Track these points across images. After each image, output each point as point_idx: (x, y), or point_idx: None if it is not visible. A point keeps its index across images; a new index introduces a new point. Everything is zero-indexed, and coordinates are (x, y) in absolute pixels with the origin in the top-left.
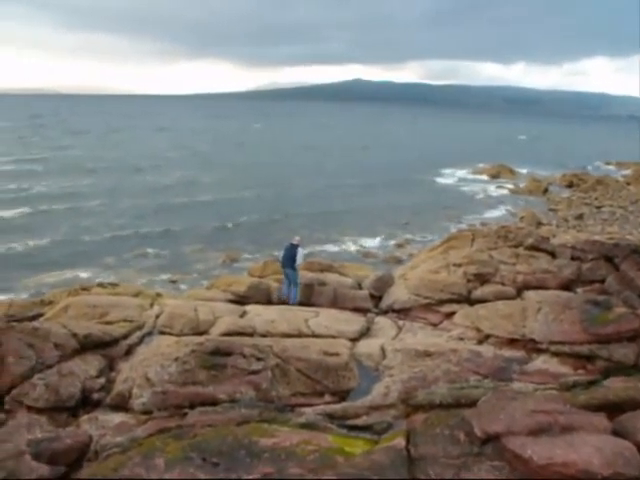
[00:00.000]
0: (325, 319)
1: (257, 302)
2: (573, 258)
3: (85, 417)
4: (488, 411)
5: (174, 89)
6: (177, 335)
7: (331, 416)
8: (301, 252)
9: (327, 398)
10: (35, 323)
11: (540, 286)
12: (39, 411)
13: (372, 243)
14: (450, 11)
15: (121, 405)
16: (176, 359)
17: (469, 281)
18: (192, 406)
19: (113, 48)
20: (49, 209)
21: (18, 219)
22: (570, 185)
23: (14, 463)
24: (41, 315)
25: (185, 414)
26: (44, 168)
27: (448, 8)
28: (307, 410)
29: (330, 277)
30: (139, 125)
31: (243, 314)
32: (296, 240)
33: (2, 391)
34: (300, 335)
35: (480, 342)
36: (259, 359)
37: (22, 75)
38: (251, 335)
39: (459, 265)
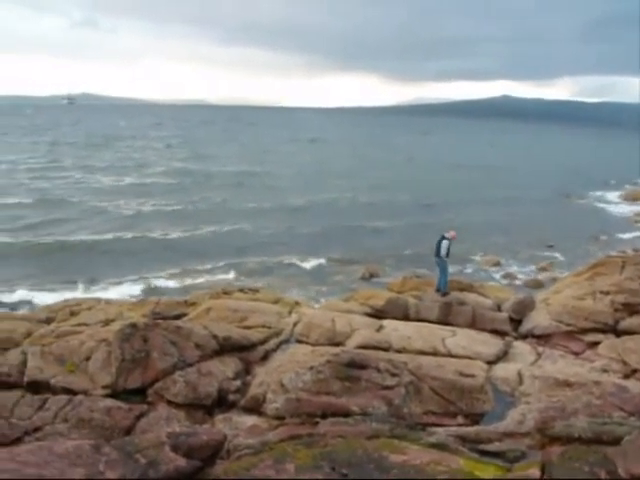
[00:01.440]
0: (462, 339)
1: (394, 317)
2: None
3: (220, 417)
4: (634, 452)
5: (320, 102)
6: (313, 344)
7: (463, 439)
8: (445, 243)
9: (459, 420)
10: (179, 322)
11: None
12: (178, 406)
13: (514, 264)
14: (608, 23)
15: (255, 408)
16: (311, 368)
17: (616, 310)
18: (324, 415)
19: (263, 61)
20: (200, 227)
21: (174, 237)
22: None
23: (155, 452)
24: (184, 315)
25: (317, 423)
26: (192, 181)
27: (605, 20)
28: (438, 430)
29: (469, 297)
30: (285, 136)
31: (379, 328)
32: (448, 233)
33: (146, 384)
34: (436, 353)
35: (626, 376)
36: (394, 375)
37: (180, 87)
38: (386, 350)
39: (606, 293)
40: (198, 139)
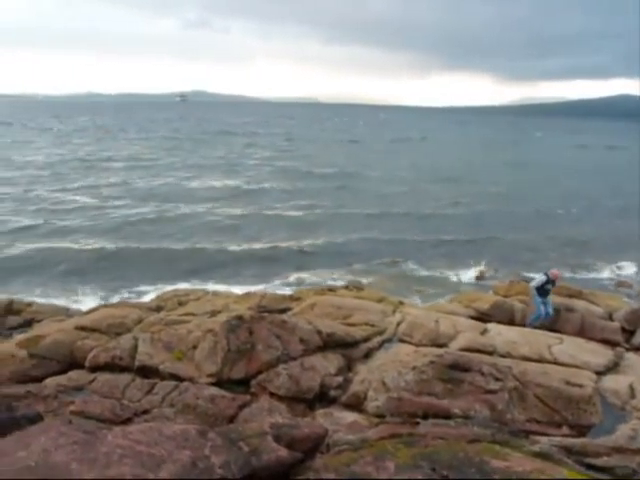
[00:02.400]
0: (569, 347)
1: (499, 321)
2: None
3: (321, 411)
4: None
5: (429, 101)
6: (416, 344)
7: (568, 450)
8: (540, 278)
9: (564, 430)
10: (284, 316)
11: None
12: (279, 398)
13: (629, 272)
14: None
15: (355, 405)
16: (414, 368)
17: None
18: (425, 416)
19: (371, 60)
20: (305, 232)
21: (280, 244)
22: None
23: (258, 441)
24: (289, 309)
25: (417, 423)
26: (298, 183)
27: None
28: (542, 439)
29: (578, 304)
30: (392, 135)
31: (484, 332)
32: (549, 272)
33: (249, 375)
34: (541, 360)
35: None
36: (497, 379)
37: (290, 85)
38: (490, 354)
39: None
40: (306, 138)
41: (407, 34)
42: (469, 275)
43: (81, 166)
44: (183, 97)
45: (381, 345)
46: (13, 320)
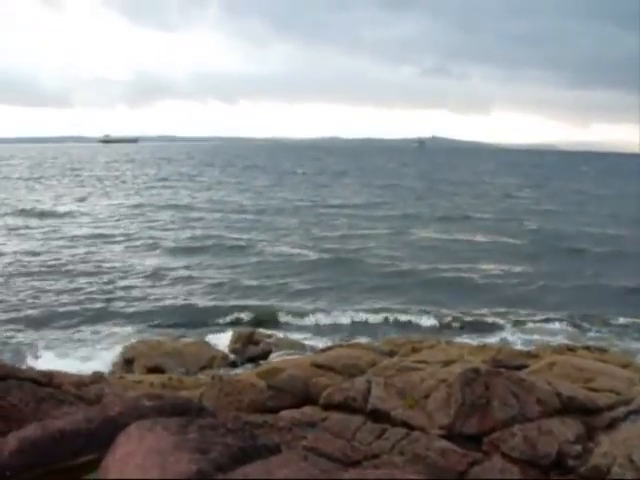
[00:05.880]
0: None
1: None
2: None
3: None
4: None
5: None
6: None
7: None
8: None
9: None
10: (521, 374)
11: None
12: (512, 460)
13: None
14: None
15: (597, 479)
16: None
17: None
18: None
19: (615, 103)
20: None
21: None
22: None
23: None
24: (525, 366)
25: None
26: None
27: None
28: None
29: None
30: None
31: None
32: None
33: (482, 431)
34: None
35: None
36: None
37: (528, 131)
38: None
39: None
40: (544, 190)
41: None
42: None
43: None
44: (421, 142)
45: (627, 416)
46: (253, 350)
